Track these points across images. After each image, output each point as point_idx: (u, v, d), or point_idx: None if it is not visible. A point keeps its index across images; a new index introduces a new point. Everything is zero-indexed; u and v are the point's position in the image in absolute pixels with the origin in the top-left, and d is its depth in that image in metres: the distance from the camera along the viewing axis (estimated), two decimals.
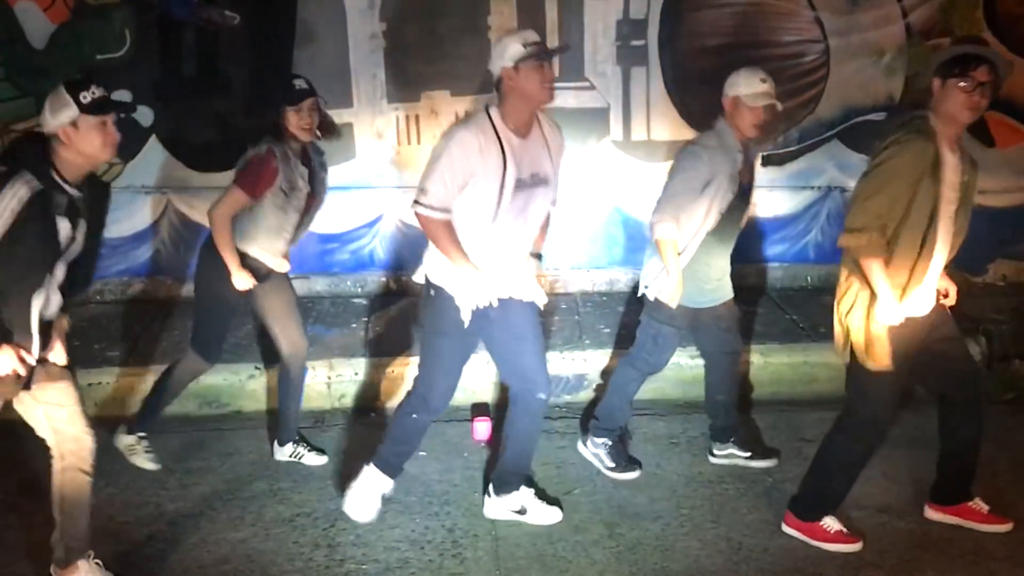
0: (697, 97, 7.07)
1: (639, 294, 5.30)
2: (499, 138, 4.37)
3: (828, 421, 5.89)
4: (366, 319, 7.04)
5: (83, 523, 4.36)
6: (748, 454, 5.54)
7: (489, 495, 5.04)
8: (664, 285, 5.06)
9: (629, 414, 5.56)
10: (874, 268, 4.31)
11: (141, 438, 5.43)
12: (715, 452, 5.57)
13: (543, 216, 4.69)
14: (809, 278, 7.69)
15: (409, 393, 4.87)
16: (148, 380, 6.08)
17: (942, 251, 4.39)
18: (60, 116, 3.84)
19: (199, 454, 5.69)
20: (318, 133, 5.05)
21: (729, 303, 5.36)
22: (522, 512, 4.99)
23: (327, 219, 7.14)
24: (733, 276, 5.37)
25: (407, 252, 7.47)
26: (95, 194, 4.10)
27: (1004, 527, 4.85)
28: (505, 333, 4.70)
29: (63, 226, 3.84)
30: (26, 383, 4.01)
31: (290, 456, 5.55)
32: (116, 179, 7.15)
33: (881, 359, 4.43)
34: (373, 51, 7.14)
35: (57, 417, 4.24)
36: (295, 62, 7.01)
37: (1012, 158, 7.58)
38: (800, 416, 6.10)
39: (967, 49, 4.23)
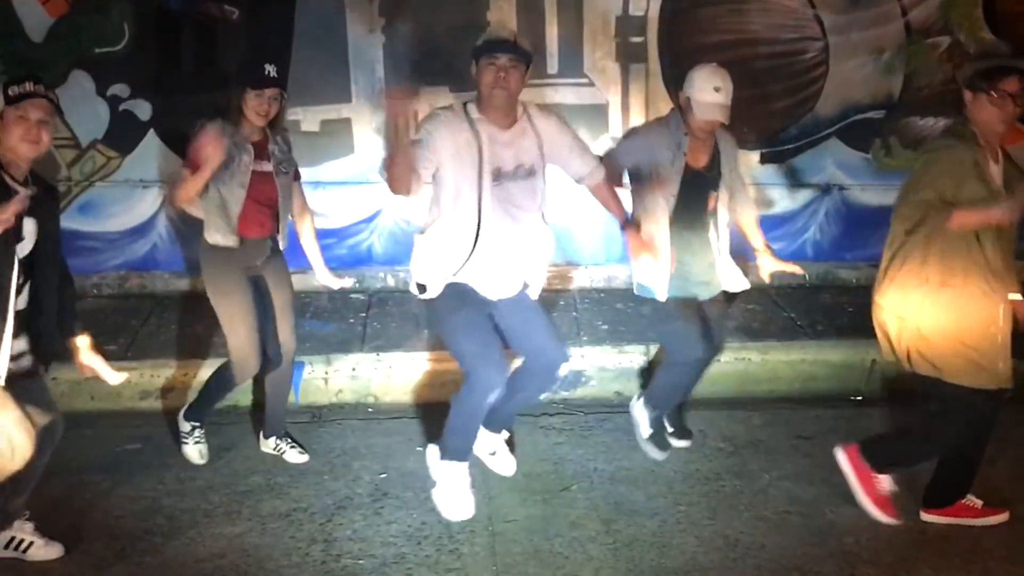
0: None
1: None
2: (474, 129, 4.49)
3: (826, 419, 5.97)
4: (364, 314, 7.04)
5: None
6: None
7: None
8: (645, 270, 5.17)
9: (674, 398, 5.57)
10: (962, 214, 4.21)
11: (193, 427, 5.49)
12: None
13: (533, 207, 4.73)
14: (807, 276, 7.69)
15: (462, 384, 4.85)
16: (145, 374, 6.10)
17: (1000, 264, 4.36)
18: None
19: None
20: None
21: (718, 300, 5.40)
22: (492, 454, 5.33)
23: (326, 214, 7.15)
24: None
25: (405, 247, 7.44)
26: (42, 196, 4.14)
27: (1001, 517, 4.86)
28: (512, 317, 4.86)
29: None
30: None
31: (273, 449, 5.55)
32: (114, 173, 7.16)
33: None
34: (372, 46, 7.13)
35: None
36: (294, 57, 7.01)
37: (1016, 158, 7.57)
38: (798, 414, 6.10)
39: (995, 61, 4.25)
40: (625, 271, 7.46)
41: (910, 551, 4.73)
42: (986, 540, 4.77)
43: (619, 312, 7.00)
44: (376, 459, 5.57)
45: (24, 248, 4.03)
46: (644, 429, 5.51)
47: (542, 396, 5.35)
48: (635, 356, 6.34)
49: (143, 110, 7.11)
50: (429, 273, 4.73)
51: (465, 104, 4.59)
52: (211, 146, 4.70)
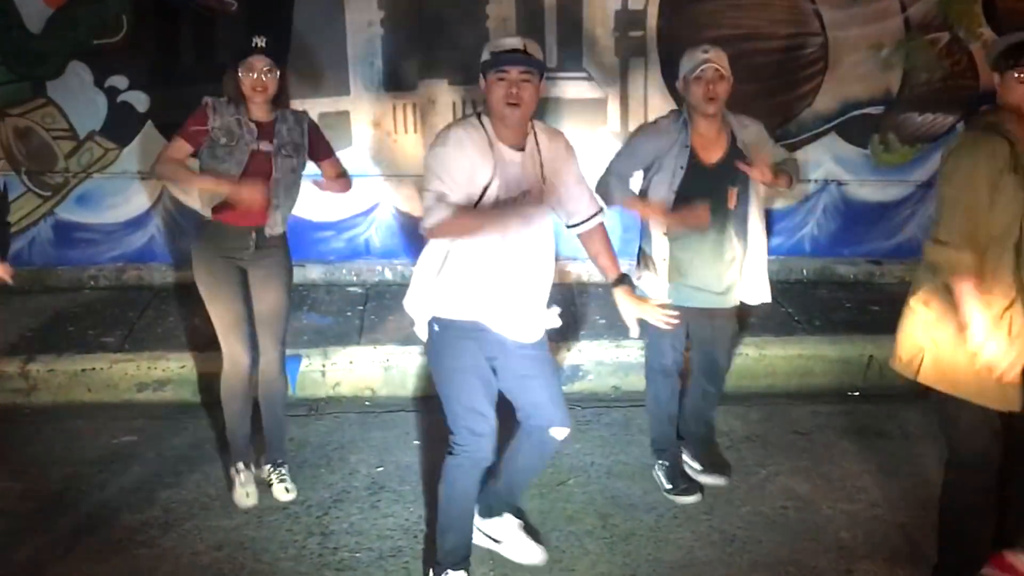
0: None
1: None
2: (492, 147, 4.01)
3: (822, 414, 5.98)
4: (361, 307, 7.04)
5: None
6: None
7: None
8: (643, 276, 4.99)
9: (671, 431, 5.22)
10: (965, 291, 3.78)
11: (237, 469, 5.11)
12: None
13: (543, 239, 4.19)
14: (805, 271, 7.70)
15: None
16: (142, 366, 6.10)
17: None
18: None
19: (192, 440, 5.67)
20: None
21: (725, 315, 5.06)
22: (496, 542, 4.67)
23: (323, 207, 7.15)
24: None
25: (402, 240, 7.47)
26: None
27: None
28: (507, 370, 4.29)
29: None
30: None
31: (265, 477, 5.19)
32: (112, 165, 7.15)
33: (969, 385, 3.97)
34: (371, 39, 7.12)
35: None
36: (293, 49, 7.00)
37: None
38: (794, 409, 6.11)
39: (1018, 37, 3.85)
40: (622, 265, 7.45)
41: (907, 546, 4.74)
42: None
43: (616, 306, 6.99)
44: (373, 453, 5.57)
45: None
46: (664, 484, 5.18)
47: (541, 465, 4.64)
48: (632, 351, 6.34)
49: (141, 102, 7.09)
50: (434, 307, 4.20)
51: (479, 115, 4.08)
52: (250, 190, 4.54)
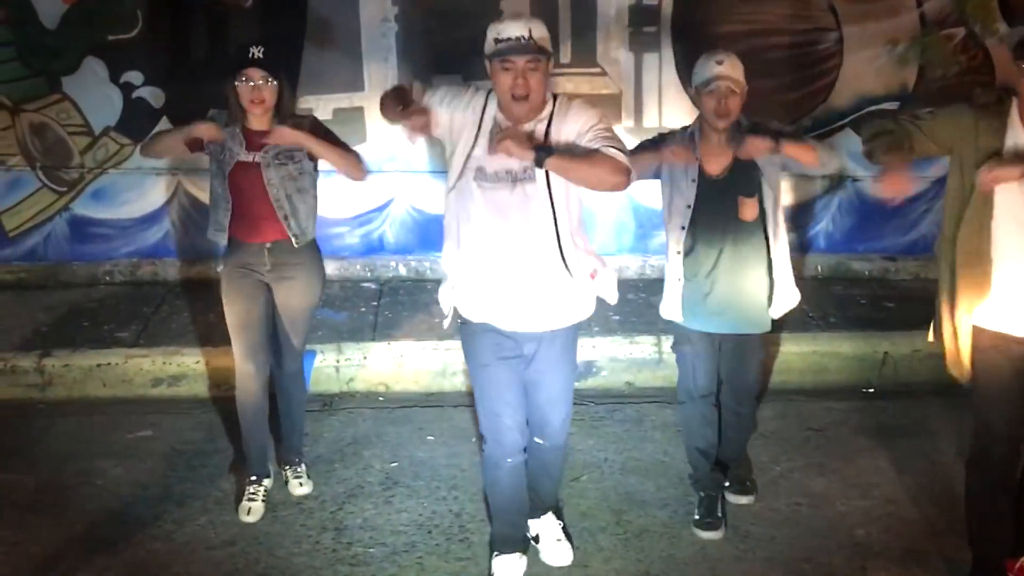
0: None
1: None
2: (483, 117, 3.98)
3: (837, 411, 5.97)
4: (375, 303, 7.04)
5: None
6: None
7: None
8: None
9: (703, 461, 4.96)
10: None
11: (250, 480, 5.03)
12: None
13: (541, 217, 4.00)
14: (819, 267, 7.67)
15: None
16: (157, 361, 6.12)
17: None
18: None
19: (207, 435, 5.69)
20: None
21: (743, 341, 4.79)
22: (535, 541, 4.63)
23: (337, 203, 7.15)
24: None
25: (417, 236, 7.47)
26: None
27: None
28: (534, 367, 4.25)
29: None
30: None
31: (283, 476, 5.19)
32: (127, 160, 7.17)
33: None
34: (385, 34, 7.12)
35: None
36: (307, 45, 7.01)
37: None
38: (808, 405, 6.09)
39: None
40: (636, 261, 7.45)
41: (921, 543, 4.73)
42: None
43: (630, 302, 6.98)
44: (387, 448, 5.58)
45: None
46: (695, 516, 4.91)
47: (541, 468, 4.54)
48: (646, 347, 6.33)
49: (156, 97, 7.11)
50: (453, 300, 4.22)
51: (489, 91, 4.02)
52: (207, 126, 4.53)
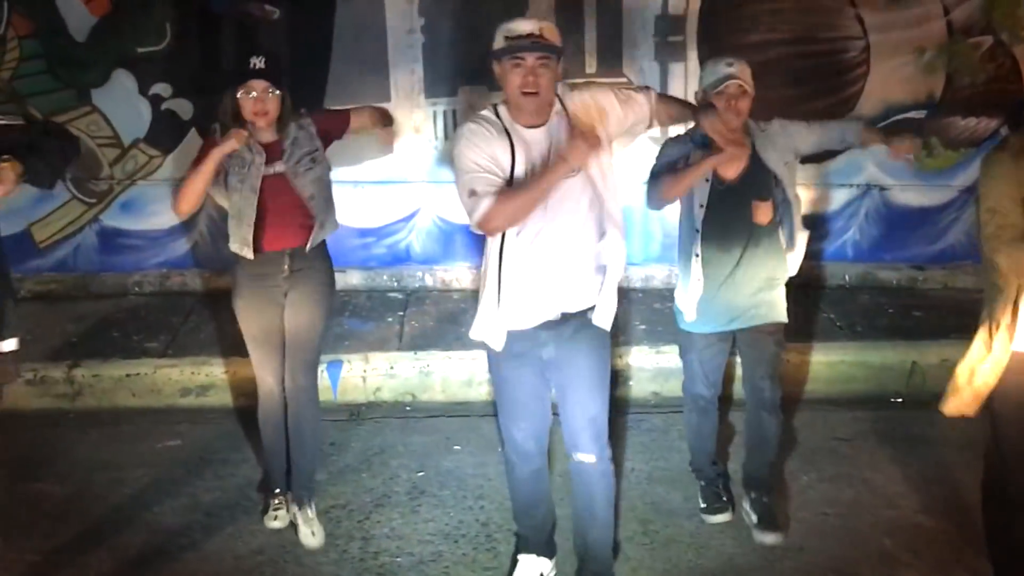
0: None
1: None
2: (507, 130, 3.89)
3: (864, 420, 5.95)
4: (401, 313, 7.06)
5: None
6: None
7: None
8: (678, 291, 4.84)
9: (701, 453, 5.08)
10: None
11: (270, 495, 5.03)
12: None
13: (584, 209, 3.99)
14: (847, 276, 7.63)
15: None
16: (185, 371, 6.15)
17: None
18: None
19: (235, 445, 5.72)
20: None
21: (762, 333, 4.77)
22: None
23: (364, 213, 7.18)
24: None
25: (443, 246, 7.48)
26: None
27: None
28: (559, 374, 4.20)
29: None
30: None
31: (291, 516, 4.98)
32: (156, 172, 7.21)
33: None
34: (411, 46, 7.15)
35: None
36: (334, 56, 7.05)
37: None
38: (835, 415, 6.07)
39: None
40: (662, 271, 7.44)
41: (949, 554, 4.70)
42: None
43: (656, 312, 6.98)
44: (414, 457, 5.60)
45: None
46: (700, 504, 5.06)
47: (589, 500, 4.32)
48: (672, 356, 6.27)
49: (185, 109, 7.15)
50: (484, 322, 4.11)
51: (496, 106, 3.97)
52: (237, 135, 4.41)
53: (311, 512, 4.88)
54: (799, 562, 4.66)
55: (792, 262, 4.74)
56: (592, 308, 4.15)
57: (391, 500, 5.17)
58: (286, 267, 4.67)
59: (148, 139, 7.18)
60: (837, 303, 7.24)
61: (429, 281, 7.53)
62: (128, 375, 6.17)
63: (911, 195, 7.63)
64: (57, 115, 6.99)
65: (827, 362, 6.42)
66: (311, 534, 4.82)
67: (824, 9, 7.23)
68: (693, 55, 7.27)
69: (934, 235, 7.71)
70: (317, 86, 7.03)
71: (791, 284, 4.80)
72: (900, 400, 6.30)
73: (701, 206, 4.59)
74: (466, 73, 7.15)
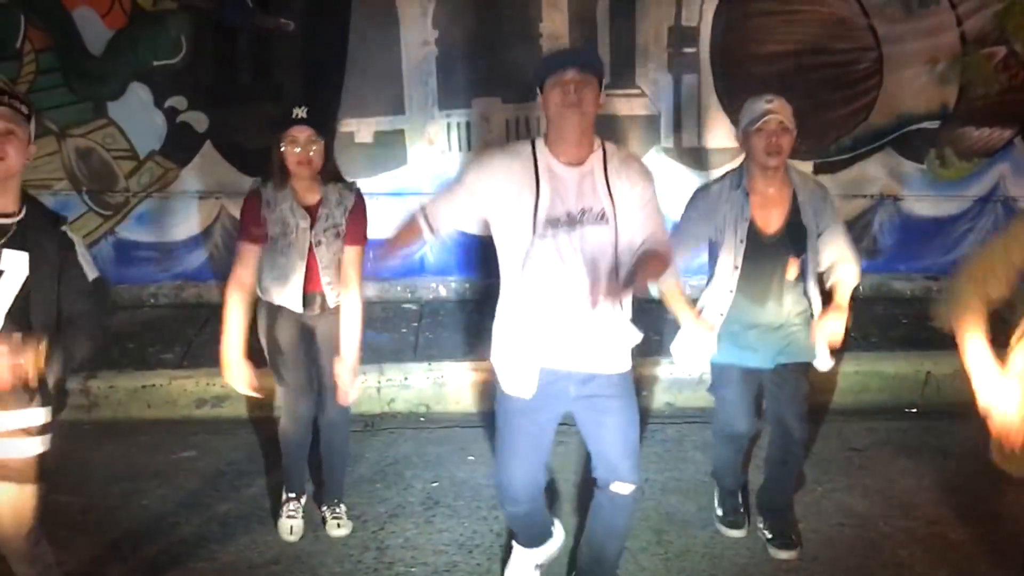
0: None
1: None
2: (536, 167, 3.78)
3: (879, 431, 5.94)
4: (416, 324, 7.07)
5: None
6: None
7: None
8: (679, 340, 4.78)
9: (728, 476, 5.03)
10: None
11: (288, 499, 5.03)
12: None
13: (603, 261, 3.85)
14: (861, 287, 7.55)
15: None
16: (200, 382, 6.17)
17: None
18: None
19: (250, 456, 5.74)
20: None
21: (785, 373, 4.68)
22: None
23: (378, 225, 7.18)
24: None
25: (457, 258, 7.50)
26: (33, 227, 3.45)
27: None
28: (587, 408, 4.10)
29: None
30: None
31: (321, 518, 5.07)
32: (171, 184, 7.24)
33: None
34: (426, 58, 7.17)
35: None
36: (348, 69, 7.07)
37: None
38: (849, 426, 6.07)
39: None
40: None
41: (964, 564, 4.69)
42: None
43: (670, 323, 6.92)
44: (428, 468, 5.61)
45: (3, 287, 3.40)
46: (716, 508, 5.09)
47: (616, 530, 4.31)
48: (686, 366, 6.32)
49: (200, 122, 7.18)
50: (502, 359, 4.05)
51: (534, 141, 3.87)
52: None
53: (340, 510, 5.03)
54: (814, 572, 4.66)
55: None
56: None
57: (405, 510, 5.18)
58: (318, 308, 4.65)
59: (164, 151, 7.20)
60: (852, 314, 7.20)
61: (443, 292, 7.55)
62: (144, 386, 6.19)
63: (925, 206, 7.63)
64: (73, 128, 7.04)
65: (842, 372, 6.40)
66: (337, 525, 4.96)
67: (837, 20, 7.24)
68: (707, 67, 7.28)
69: (948, 245, 7.70)
70: (332, 98, 7.06)
71: None
72: (915, 410, 6.30)
73: (736, 267, 4.49)
74: (480, 85, 7.17)
